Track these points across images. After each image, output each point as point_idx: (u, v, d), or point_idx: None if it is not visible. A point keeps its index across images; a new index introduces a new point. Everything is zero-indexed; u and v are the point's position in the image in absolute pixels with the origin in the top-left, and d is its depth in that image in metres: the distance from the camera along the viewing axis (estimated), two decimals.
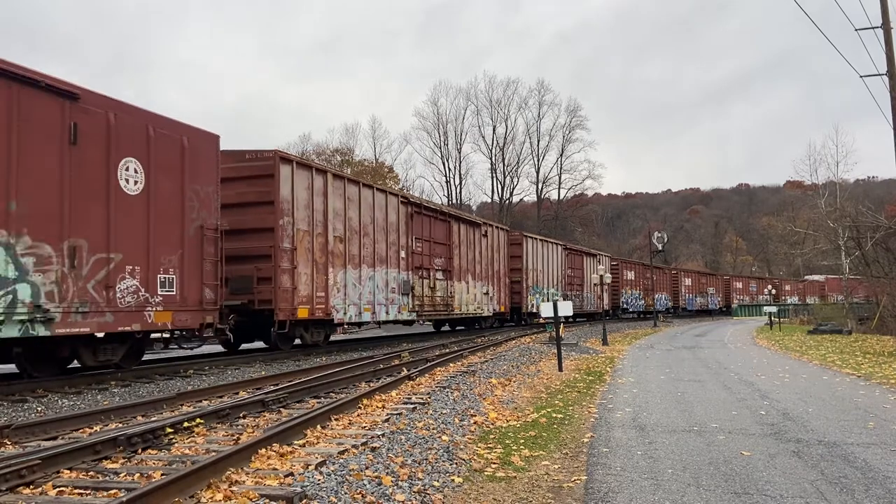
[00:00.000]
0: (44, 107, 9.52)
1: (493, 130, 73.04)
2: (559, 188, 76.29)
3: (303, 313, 15.09)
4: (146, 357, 13.70)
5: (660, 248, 55.31)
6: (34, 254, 9.30)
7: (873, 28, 17.94)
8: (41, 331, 9.34)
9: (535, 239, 32.81)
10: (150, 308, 11.11)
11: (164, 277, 11.46)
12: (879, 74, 17.99)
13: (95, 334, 10.47)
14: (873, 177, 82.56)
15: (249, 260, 14.36)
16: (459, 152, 72.32)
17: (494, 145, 73.19)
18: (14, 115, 9.12)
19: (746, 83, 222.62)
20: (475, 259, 25.48)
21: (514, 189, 74.63)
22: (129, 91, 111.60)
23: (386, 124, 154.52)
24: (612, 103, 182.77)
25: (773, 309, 38.41)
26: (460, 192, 72.21)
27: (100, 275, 10.24)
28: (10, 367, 10.99)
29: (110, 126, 10.47)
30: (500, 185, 73.70)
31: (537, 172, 75.05)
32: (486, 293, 26.46)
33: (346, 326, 21.22)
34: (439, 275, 22.40)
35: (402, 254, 19.78)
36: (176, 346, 13.45)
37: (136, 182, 10.98)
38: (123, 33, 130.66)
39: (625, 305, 46.28)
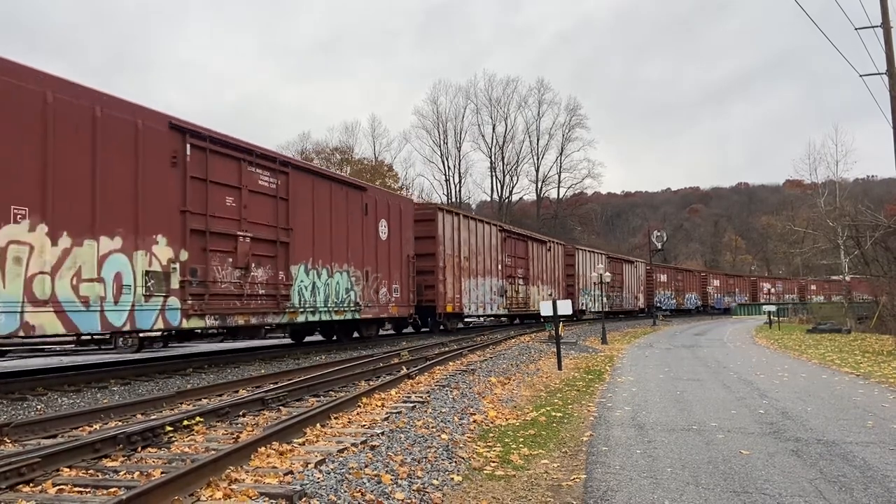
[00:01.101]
0: (356, 197, 17.57)
1: (493, 129, 73.17)
2: (559, 187, 76.42)
3: (449, 308, 22.88)
4: (147, 355, 14.39)
5: (659, 246, 55.56)
6: (355, 275, 17.29)
7: (873, 27, 17.95)
8: (357, 316, 17.39)
9: (584, 250, 40.68)
10: (390, 304, 19.10)
11: (395, 286, 19.43)
12: (879, 74, 18.01)
13: (369, 318, 18.40)
14: (873, 176, 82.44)
15: (420, 274, 21.43)
16: (459, 151, 72.45)
17: (494, 144, 73.29)
18: (347, 205, 16.97)
19: (746, 83, 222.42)
20: (542, 268, 33.08)
21: (513, 188, 74.76)
22: (130, 90, 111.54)
23: (386, 123, 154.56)
24: (612, 103, 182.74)
25: (773, 308, 38.43)
26: (460, 191, 72.27)
27: (374, 285, 18.22)
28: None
29: (377, 203, 18.62)
30: (499, 184, 73.80)
31: (537, 171, 75.16)
32: (550, 294, 33.64)
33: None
34: (521, 281, 29.98)
35: (499, 266, 27.49)
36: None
37: (385, 233, 18.96)
38: (123, 33, 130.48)
39: (658, 304, 51.94)
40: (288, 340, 20.57)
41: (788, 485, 5.15)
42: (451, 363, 13.71)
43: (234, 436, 6.50)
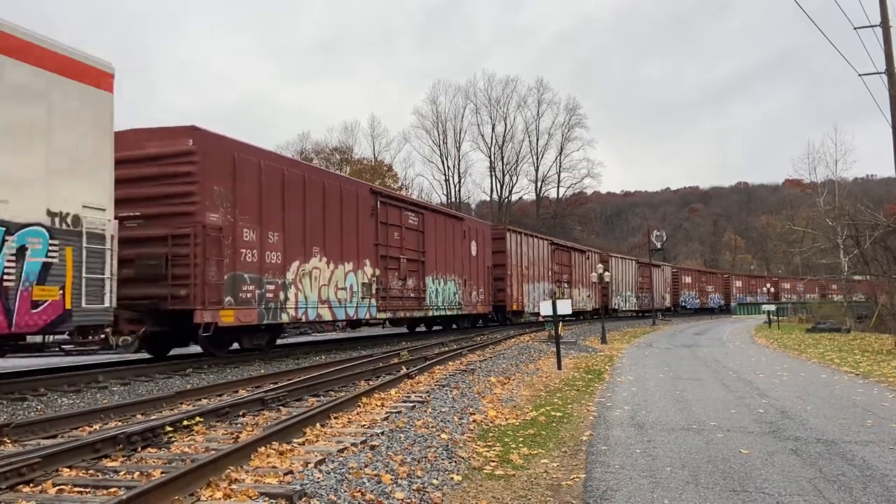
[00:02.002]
0: (458, 225, 24.43)
1: (493, 129, 73.10)
2: (558, 186, 76.38)
3: (514, 307, 29.55)
4: (146, 355, 14.40)
5: (658, 246, 55.52)
6: (458, 283, 23.92)
7: (872, 27, 17.96)
8: (459, 312, 24.27)
9: (617, 257, 46.97)
10: (478, 304, 25.94)
11: (481, 290, 26.32)
12: (878, 73, 18.01)
13: (465, 314, 25.20)
14: (872, 175, 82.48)
15: (494, 280, 27.81)
16: (458, 151, 72.36)
17: (493, 144, 73.23)
18: (453, 232, 23.70)
19: (746, 83, 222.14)
20: (582, 273, 39.32)
21: (513, 187, 74.72)
22: (130, 90, 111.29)
23: (385, 123, 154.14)
24: (612, 102, 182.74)
25: (772, 307, 38.46)
26: (459, 191, 72.20)
27: (469, 290, 24.84)
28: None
29: (469, 229, 25.46)
30: (499, 184, 73.75)
31: (536, 171, 75.13)
32: (588, 296, 40.13)
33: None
34: (565, 285, 36.37)
35: (549, 273, 34.11)
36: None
37: (474, 251, 25.67)
38: (123, 33, 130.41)
39: (684, 304, 59.13)
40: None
41: (788, 484, 5.16)
42: (450, 363, 13.71)
43: (234, 436, 6.50)
